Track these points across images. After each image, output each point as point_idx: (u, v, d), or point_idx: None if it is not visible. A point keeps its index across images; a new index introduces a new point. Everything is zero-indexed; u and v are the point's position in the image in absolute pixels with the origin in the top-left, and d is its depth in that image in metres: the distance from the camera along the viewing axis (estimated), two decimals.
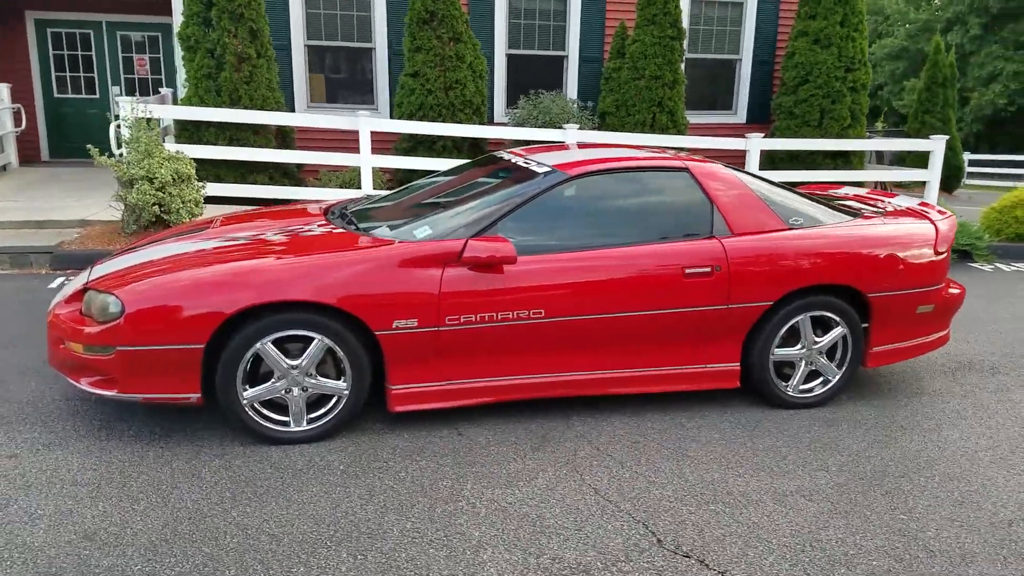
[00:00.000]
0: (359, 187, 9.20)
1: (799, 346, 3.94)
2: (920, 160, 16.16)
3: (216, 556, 2.57)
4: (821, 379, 4.03)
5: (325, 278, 3.28)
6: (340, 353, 3.37)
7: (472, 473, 3.21)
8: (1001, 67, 32.18)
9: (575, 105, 10.63)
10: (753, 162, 9.97)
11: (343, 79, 10.70)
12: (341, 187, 9.40)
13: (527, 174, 3.86)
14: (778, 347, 3.90)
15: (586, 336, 3.63)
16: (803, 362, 3.96)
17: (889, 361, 4.13)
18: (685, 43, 10.34)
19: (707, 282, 3.70)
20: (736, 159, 11.84)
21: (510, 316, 3.50)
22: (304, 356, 3.33)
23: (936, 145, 10.89)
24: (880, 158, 17.29)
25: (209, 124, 8.72)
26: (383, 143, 9.97)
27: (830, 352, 4.01)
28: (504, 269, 3.47)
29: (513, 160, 4.22)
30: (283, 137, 9.44)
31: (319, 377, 3.40)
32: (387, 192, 4.70)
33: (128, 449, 3.31)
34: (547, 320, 3.54)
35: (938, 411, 4.05)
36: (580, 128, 9.58)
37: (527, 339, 3.55)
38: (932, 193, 10.61)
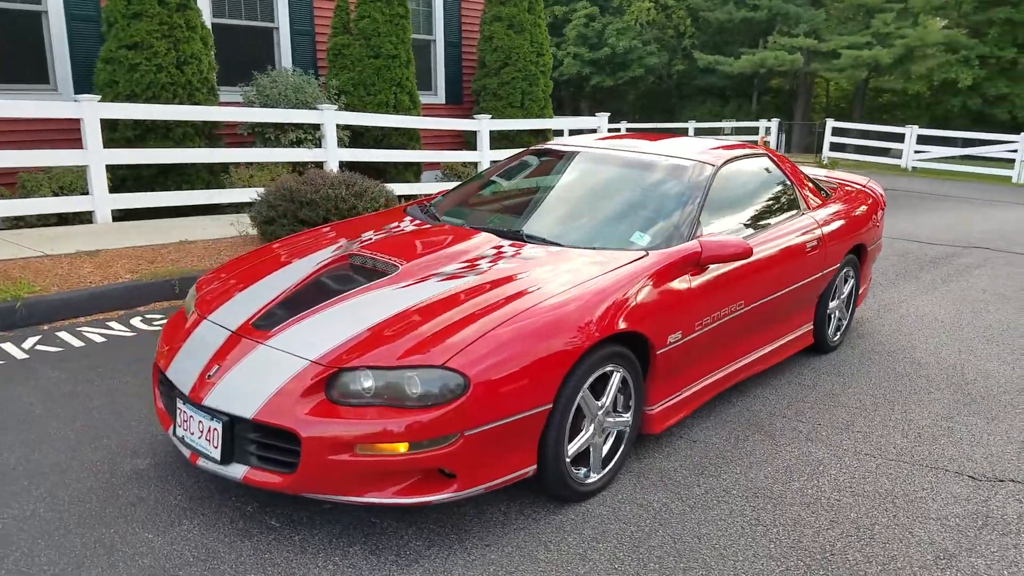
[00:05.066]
0: (85, 191, 7.13)
1: (836, 300, 4.64)
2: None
3: None
4: (836, 324, 4.80)
5: (627, 303, 2.84)
6: (630, 382, 2.95)
7: (774, 474, 3.16)
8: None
9: (317, 83, 9.66)
10: (483, 141, 10.49)
11: None
12: (56, 194, 7.13)
13: (678, 169, 3.74)
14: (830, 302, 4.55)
15: (758, 319, 3.76)
16: (837, 312, 4.68)
17: (861, 302, 5.11)
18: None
19: (816, 254, 4.13)
20: (459, 139, 12.20)
21: (726, 312, 3.45)
22: (606, 394, 2.84)
23: (601, 121, 12.78)
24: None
25: None
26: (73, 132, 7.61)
27: None
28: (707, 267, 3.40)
29: (623, 155, 3.98)
30: None
31: (614, 415, 2.93)
32: (451, 192, 4.00)
33: (448, 565, 2.42)
34: (745, 309, 3.58)
35: (896, 347, 4.88)
36: (338, 109, 8.82)
37: (730, 331, 3.54)
38: None
